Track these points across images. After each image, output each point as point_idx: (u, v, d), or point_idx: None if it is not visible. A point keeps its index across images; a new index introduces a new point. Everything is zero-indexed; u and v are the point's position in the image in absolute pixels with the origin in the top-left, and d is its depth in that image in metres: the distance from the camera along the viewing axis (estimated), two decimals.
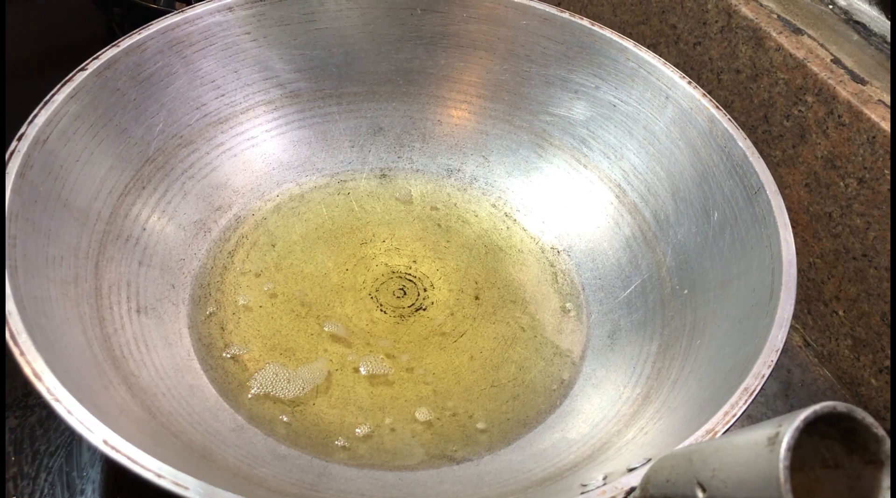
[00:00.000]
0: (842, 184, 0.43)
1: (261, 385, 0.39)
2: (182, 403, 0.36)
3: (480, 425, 0.39)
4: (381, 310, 0.44)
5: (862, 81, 0.43)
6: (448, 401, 0.40)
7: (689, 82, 0.43)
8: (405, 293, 0.45)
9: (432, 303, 0.45)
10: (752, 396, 0.30)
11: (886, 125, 0.40)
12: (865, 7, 0.47)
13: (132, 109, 0.41)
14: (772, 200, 0.37)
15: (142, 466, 0.25)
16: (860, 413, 0.18)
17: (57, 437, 0.38)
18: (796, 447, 0.17)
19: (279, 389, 0.39)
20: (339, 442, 0.38)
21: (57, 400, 0.27)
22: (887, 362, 0.43)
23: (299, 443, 0.37)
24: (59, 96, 0.37)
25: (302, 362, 0.41)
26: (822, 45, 0.45)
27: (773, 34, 0.46)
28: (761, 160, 0.39)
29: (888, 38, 0.45)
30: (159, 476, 0.25)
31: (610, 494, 0.26)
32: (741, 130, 0.40)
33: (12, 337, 0.28)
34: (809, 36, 0.46)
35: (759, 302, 0.34)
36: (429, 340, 0.43)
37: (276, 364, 0.40)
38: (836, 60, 0.44)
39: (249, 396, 0.39)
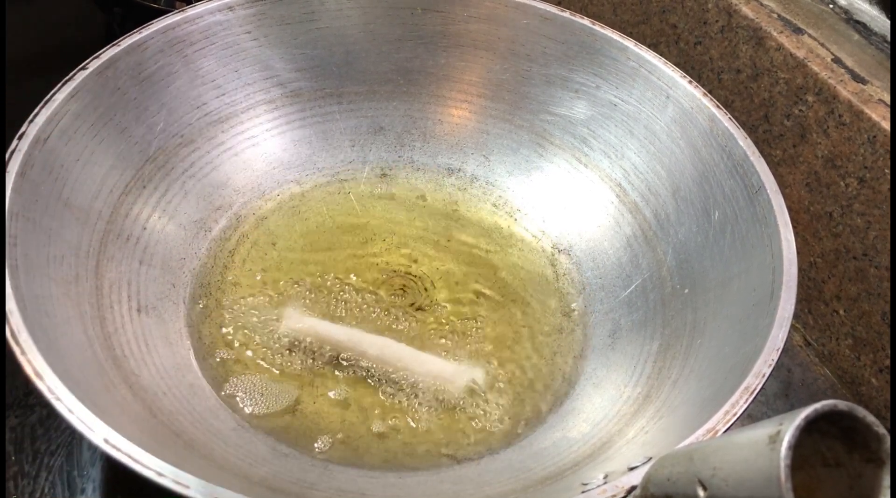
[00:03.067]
0: (842, 183, 0.43)
1: (246, 390, 0.39)
2: (183, 401, 0.36)
3: (481, 424, 0.39)
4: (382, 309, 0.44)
5: (862, 81, 0.43)
6: (448, 400, 0.40)
7: (690, 81, 0.43)
8: (406, 292, 0.45)
9: (433, 302, 0.45)
10: (753, 396, 0.30)
11: (887, 125, 0.40)
12: (866, 6, 0.47)
13: (133, 109, 0.41)
14: (772, 200, 0.37)
15: (143, 465, 0.25)
16: (861, 412, 0.18)
17: (57, 436, 0.38)
18: (797, 446, 0.17)
19: (268, 403, 0.39)
20: (340, 441, 0.38)
21: (58, 399, 0.27)
22: (888, 362, 0.43)
23: (299, 442, 0.37)
24: (60, 95, 0.37)
25: (302, 362, 0.41)
26: (822, 45, 0.45)
27: (774, 34, 0.46)
28: (762, 159, 0.39)
29: (888, 38, 0.45)
30: (160, 475, 0.25)
31: (611, 492, 0.26)
32: (742, 130, 0.40)
33: (13, 336, 0.28)
34: (810, 35, 0.46)
35: (759, 301, 0.34)
36: (429, 339, 0.43)
37: (263, 375, 0.40)
38: (836, 60, 0.44)
39: (222, 393, 0.39)
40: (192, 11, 0.43)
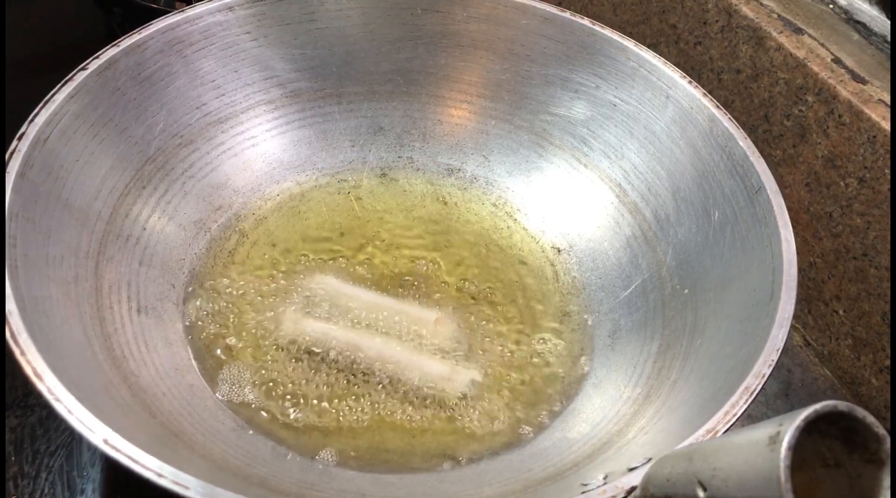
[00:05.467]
0: (842, 183, 0.43)
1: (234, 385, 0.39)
2: (182, 402, 0.36)
3: (480, 425, 0.39)
4: None
5: (862, 81, 0.43)
6: (448, 400, 0.40)
7: (690, 82, 0.43)
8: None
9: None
10: (753, 396, 0.30)
11: (887, 125, 0.40)
12: (866, 6, 0.47)
13: (132, 109, 0.41)
14: (772, 200, 0.37)
15: (142, 466, 0.25)
16: (861, 412, 0.18)
17: (57, 436, 0.38)
18: (797, 446, 0.17)
19: (266, 404, 0.39)
20: (339, 441, 0.38)
21: (57, 399, 0.27)
22: (887, 362, 0.43)
23: (298, 443, 0.37)
24: (60, 96, 0.37)
25: (300, 364, 0.41)
26: (822, 45, 0.45)
27: (774, 34, 0.46)
28: (762, 160, 0.39)
29: (888, 38, 0.45)
30: (160, 476, 0.25)
31: (611, 493, 0.26)
32: (742, 130, 0.40)
33: (13, 336, 0.28)
34: (810, 35, 0.46)
35: (759, 301, 0.34)
36: (428, 339, 0.43)
37: (262, 375, 0.40)
38: (836, 60, 0.44)
39: (221, 394, 0.39)
40: (192, 11, 0.43)
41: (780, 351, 0.31)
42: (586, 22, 0.46)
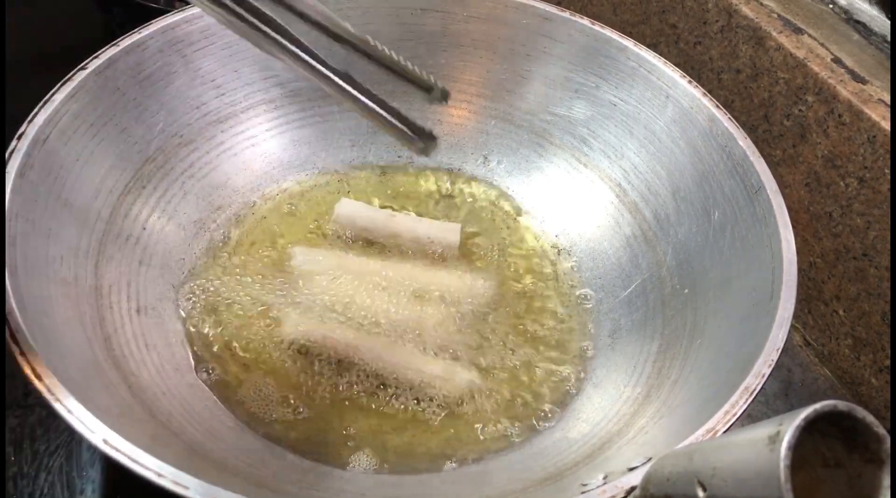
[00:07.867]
0: (842, 183, 0.43)
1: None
2: (182, 402, 0.36)
3: (480, 425, 0.39)
4: None
5: (862, 81, 0.43)
6: (448, 401, 0.40)
7: (690, 81, 0.43)
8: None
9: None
10: (753, 396, 0.30)
11: (887, 124, 0.40)
12: (866, 6, 0.47)
13: (132, 109, 0.41)
14: (772, 200, 0.37)
15: (142, 466, 0.25)
16: (861, 412, 0.18)
17: (57, 436, 0.38)
18: (797, 446, 0.17)
19: (265, 404, 0.39)
20: (338, 442, 0.38)
21: (57, 399, 0.27)
22: (887, 362, 0.43)
23: (297, 443, 0.37)
24: (59, 95, 0.37)
25: (299, 364, 0.41)
26: (822, 45, 0.45)
27: (774, 34, 0.46)
28: (762, 160, 0.39)
29: (888, 38, 0.45)
30: (159, 475, 0.25)
31: (610, 493, 0.26)
32: (741, 130, 0.40)
33: (13, 336, 0.28)
34: (810, 35, 0.46)
35: (759, 301, 0.34)
36: (428, 339, 0.43)
37: (261, 376, 0.40)
38: (836, 60, 0.44)
39: (220, 394, 0.39)
40: (191, 11, 0.43)
41: (780, 351, 0.31)
42: (586, 22, 0.46)
